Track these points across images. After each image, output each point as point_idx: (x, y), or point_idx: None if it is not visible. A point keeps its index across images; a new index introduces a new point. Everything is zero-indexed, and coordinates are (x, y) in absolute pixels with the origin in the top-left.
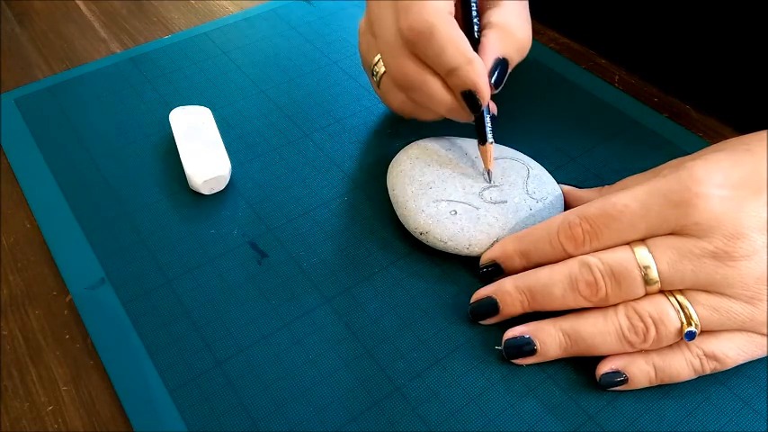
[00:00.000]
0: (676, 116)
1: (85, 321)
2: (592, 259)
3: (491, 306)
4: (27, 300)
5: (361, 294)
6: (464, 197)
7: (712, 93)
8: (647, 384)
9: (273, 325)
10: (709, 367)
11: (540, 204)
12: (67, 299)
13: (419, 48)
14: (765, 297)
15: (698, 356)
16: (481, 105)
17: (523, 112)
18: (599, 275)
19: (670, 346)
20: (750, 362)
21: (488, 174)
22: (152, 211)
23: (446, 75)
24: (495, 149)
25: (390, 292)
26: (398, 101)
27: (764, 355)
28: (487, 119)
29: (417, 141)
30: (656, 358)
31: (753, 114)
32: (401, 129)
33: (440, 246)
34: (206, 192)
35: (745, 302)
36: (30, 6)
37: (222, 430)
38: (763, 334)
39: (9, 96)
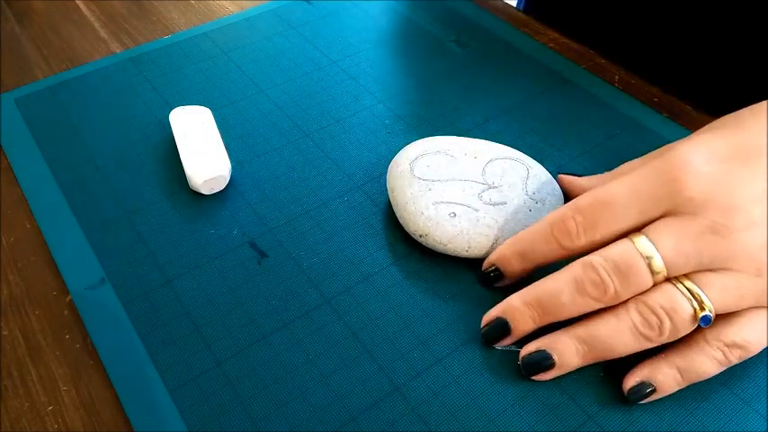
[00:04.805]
0: (676, 116)
1: (85, 321)
2: (594, 258)
3: (502, 327)
4: (27, 300)
5: (361, 294)
6: (463, 199)
7: (712, 92)
8: (676, 388)
9: (273, 325)
10: (735, 357)
11: (539, 205)
12: (67, 299)
13: None
14: None
15: (719, 349)
16: None
17: (523, 112)
18: (604, 273)
19: (689, 345)
20: (750, 362)
21: None
22: (152, 211)
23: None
24: (494, 149)
25: (390, 292)
26: None
27: None
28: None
29: (417, 141)
30: (678, 360)
31: None
32: (401, 129)
33: (439, 248)
34: (206, 192)
35: (755, 275)
36: (30, 6)
37: (222, 430)
38: None
39: (9, 96)
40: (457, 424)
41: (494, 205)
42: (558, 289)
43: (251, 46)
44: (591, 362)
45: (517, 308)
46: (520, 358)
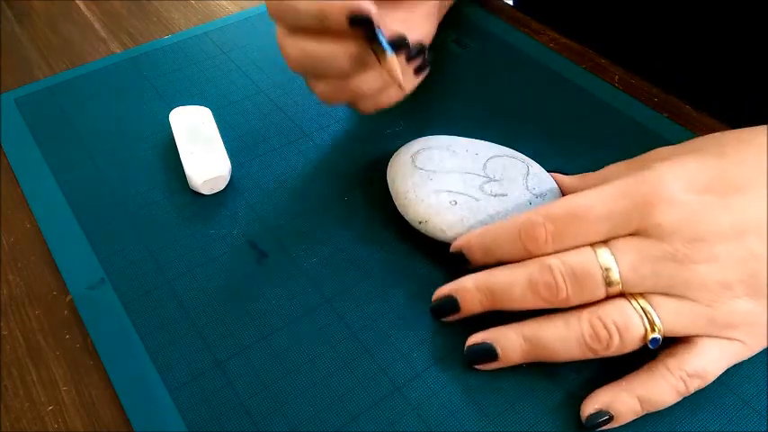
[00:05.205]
0: (676, 116)
1: (85, 321)
2: (553, 261)
3: (451, 304)
4: (27, 300)
5: (361, 294)
6: (465, 189)
7: (712, 92)
8: (633, 417)
9: (273, 325)
10: (693, 386)
11: (539, 199)
12: (67, 299)
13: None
14: (726, 300)
15: (681, 378)
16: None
17: (523, 112)
18: (559, 278)
19: (650, 374)
20: (750, 362)
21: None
22: (152, 211)
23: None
24: (494, 149)
25: (390, 292)
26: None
27: (743, 359)
28: (379, 31)
29: (419, 139)
30: (639, 388)
31: (752, 114)
32: (401, 129)
33: (439, 235)
34: (206, 192)
35: (706, 305)
36: (30, 6)
37: (222, 430)
38: (731, 339)
39: (9, 96)
40: (457, 424)
41: (495, 196)
42: (512, 282)
43: (251, 46)
44: (532, 361)
45: (468, 290)
46: (465, 347)
